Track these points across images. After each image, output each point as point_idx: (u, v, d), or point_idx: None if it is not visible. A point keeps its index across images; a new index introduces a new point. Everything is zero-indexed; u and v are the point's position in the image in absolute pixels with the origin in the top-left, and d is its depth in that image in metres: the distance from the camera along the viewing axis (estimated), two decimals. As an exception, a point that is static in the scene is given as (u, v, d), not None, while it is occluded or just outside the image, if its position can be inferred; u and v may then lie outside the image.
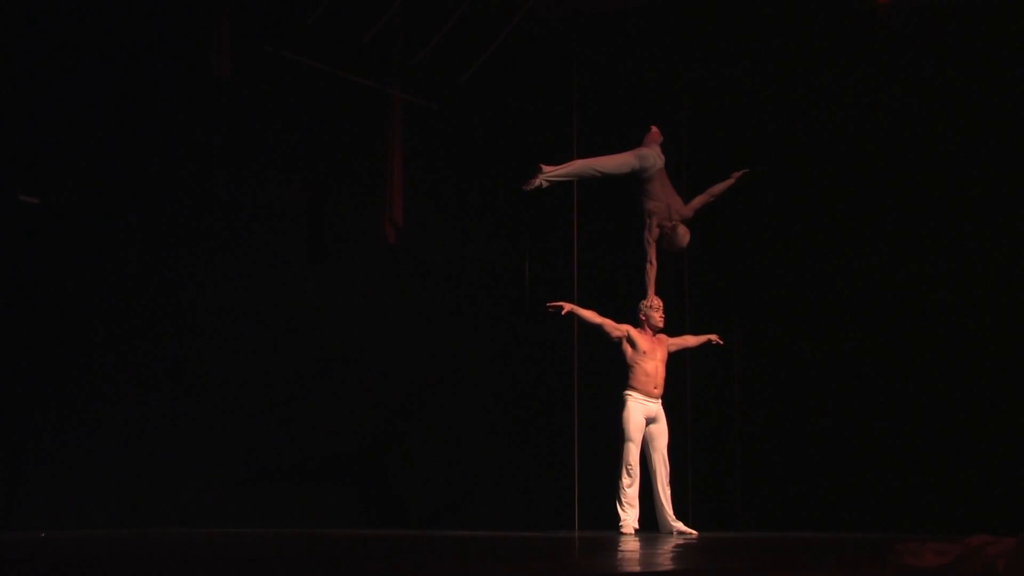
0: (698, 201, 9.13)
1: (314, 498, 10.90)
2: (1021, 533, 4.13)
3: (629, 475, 8.79)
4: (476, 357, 10.95)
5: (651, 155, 8.99)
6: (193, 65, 9.56)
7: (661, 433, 8.94)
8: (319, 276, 11.12)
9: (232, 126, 10.48)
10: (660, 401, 8.94)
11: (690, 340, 9.26)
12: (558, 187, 10.49)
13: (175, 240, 10.35)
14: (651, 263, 8.99)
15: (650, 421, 8.91)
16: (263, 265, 10.83)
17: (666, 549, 6.66)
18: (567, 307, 9.04)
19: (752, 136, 10.08)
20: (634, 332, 8.96)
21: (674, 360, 9.18)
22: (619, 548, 6.70)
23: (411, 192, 10.75)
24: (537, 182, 8.72)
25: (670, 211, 9.00)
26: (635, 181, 8.99)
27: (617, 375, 8.95)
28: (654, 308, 8.98)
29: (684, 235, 8.94)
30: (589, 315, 9.05)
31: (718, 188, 9.16)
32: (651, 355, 8.93)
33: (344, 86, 10.59)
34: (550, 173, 8.76)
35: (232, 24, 9.37)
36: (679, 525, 8.85)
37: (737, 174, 9.15)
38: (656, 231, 8.96)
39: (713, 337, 9.27)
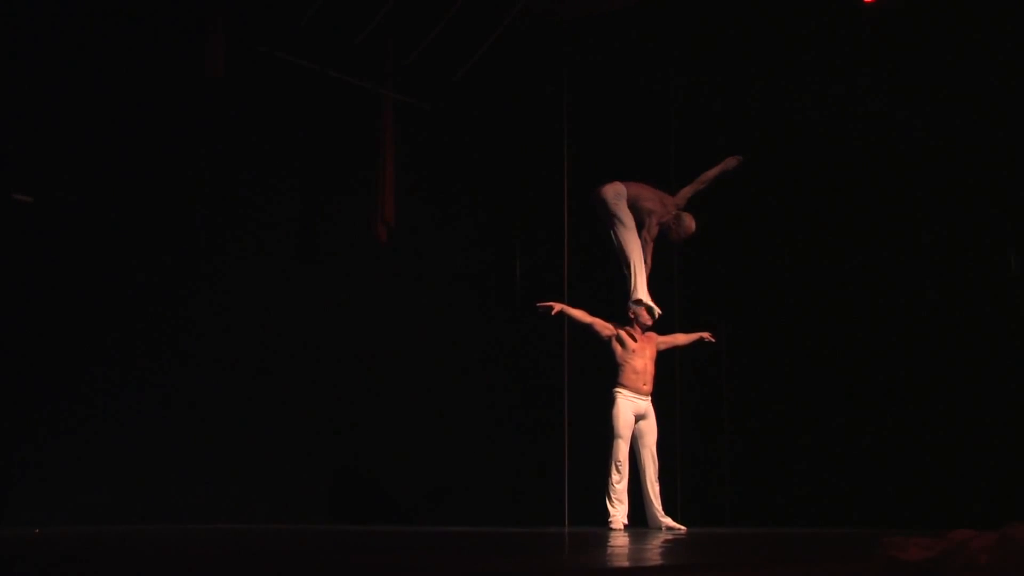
0: (689, 189, 9.21)
1: (303, 494, 10.95)
2: (1003, 528, 4.18)
3: (618, 471, 8.86)
4: (467, 355, 11.00)
5: (612, 190, 9.03)
6: (187, 65, 9.60)
7: (650, 430, 9.02)
8: (310, 275, 11.16)
9: (225, 126, 10.52)
10: (649, 398, 9.02)
11: (680, 338, 9.33)
12: (549, 184, 10.60)
13: (167, 239, 10.38)
14: (644, 262, 9.07)
15: (639, 418, 8.98)
16: (254, 263, 10.87)
17: (655, 544, 6.70)
18: (557, 307, 9.11)
19: (741, 137, 10.14)
20: (623, 331, 9.04)
21: (663, 357, 9.25)
22: (608, 544, 6.74)
23: (402, 192, 10.81)
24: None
25: (664, 206, 9.08)
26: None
27: (607, 372, 9.02)
28: (642, 306, 9.05)
29: (690, 221, 9.04)
30: (579, 314, 9.13)
31: (709, 174, 9.23)
32: (640, 353, 9.00)
33: (336, 86, 10.65)
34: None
35: (225, 24, 9.42)
36: (668, 521, 8.92)
37: (730, 159, 9.23)
38: (656, 230, 9.04)
39: (705, 335, 9.33)
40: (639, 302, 8.92)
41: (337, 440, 11.06)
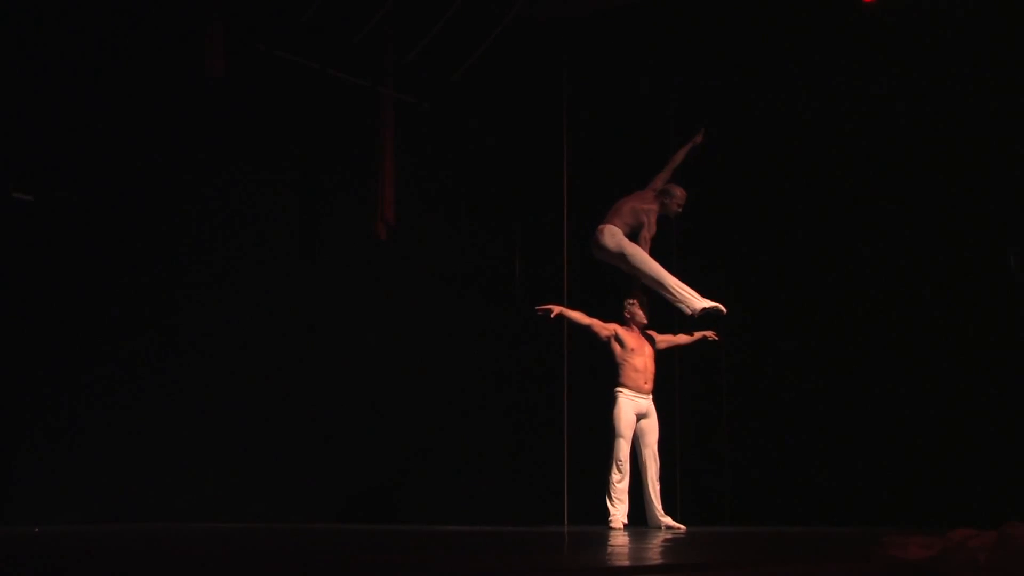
0: (664, 174, 9.21)
1: (301, 493, 10.95)
2: (1002, 527, 4.19)
3: (619, 471, 8.85)
4: (467, 354, 11.00)
5: (607, 234, 8.97)
6: (186, 64, 9.61)
7: (652, 429, 9.01)
8: (310, 273, 11.17)
9: (225, 124, 10.53)
10: (651, 397, 9.02)
11: (682, 338, 9.30)
12: (548, 183, 10.61)
13: (167, 237, 10.39)
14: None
15: (641, 417, 8.98)
16: (255, 262, 10.88)
17: (655, 543, 6.71)
18: (556, 310, 9.10)
19: (740, 135, 10.14)
20: (621, 330, 9.04)
21: (663, 356, 9.25)
22: (608, 543, 6.75)
23: (402, 190, 10.81)
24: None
25: (651, 200, 9.09)
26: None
27: (608, 371, 9.02)
28: (638, 305, 9.06)
29: (678, 189, 9.06)
30: (577, 316, 9.12)
31: (678, 156, 9.25)
32: (640, 351, 9.00)
33: (336, 85, 10.65)
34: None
35: (225, 23, 9.42)
36: (668, 520, 8.91)
37: (697, 137, 9.25)
38: (655, 227, 9.03)
39: (709, 334, 9.32)
40: (704, 310, 8.86)
41: (336, 439, 11.06)
